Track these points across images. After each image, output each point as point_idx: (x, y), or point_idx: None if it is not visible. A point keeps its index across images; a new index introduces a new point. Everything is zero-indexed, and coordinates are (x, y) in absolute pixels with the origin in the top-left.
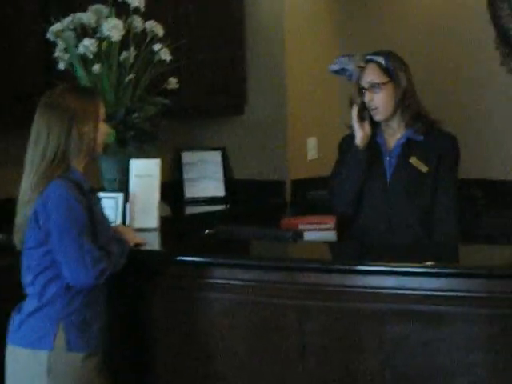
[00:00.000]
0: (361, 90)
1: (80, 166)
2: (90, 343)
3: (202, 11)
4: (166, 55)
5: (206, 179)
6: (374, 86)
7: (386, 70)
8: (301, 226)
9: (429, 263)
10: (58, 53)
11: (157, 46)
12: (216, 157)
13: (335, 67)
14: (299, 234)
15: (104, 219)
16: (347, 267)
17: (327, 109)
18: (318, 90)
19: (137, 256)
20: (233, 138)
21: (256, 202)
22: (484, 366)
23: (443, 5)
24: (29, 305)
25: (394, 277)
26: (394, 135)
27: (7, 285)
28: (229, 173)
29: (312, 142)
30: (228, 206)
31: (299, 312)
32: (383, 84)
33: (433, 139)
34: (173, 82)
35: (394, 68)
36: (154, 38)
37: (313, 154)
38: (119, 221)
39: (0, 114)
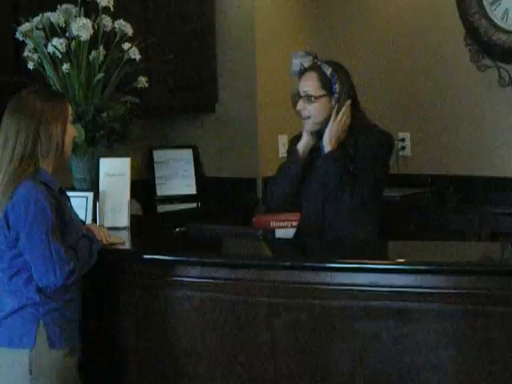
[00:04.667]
0: (298, 95)
1: (49, 167)
2: (71, 340)
3: (172, 9)
4: (135, 54)
5: (177, 177)
6: (308, 97)
7: (325, 82)
8: (272, 224)
9: (399, 260)
10: (27, 53)
11: (126, 45)
12: (187, 155)
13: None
14: (270, 232)
15: (73, 219)
16: (318, 264)
17: None
18: (289, 87)
19: (108, 254)
20: (204, 136)
21: (228, 199)
22: (454, 362)
23: (412, 3)
24: (7, 305)
25: (364, 274)
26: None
27: None
28: (200, 171)
29: (283, 140)
30: (200, 203)
31: (270, 310)
32: (317, 97)
33: (363, 140)
34: (142, 81)
35: (337, 82)
36: (124, 37)
37: (284, 151)
38: (90, 220)
39: None
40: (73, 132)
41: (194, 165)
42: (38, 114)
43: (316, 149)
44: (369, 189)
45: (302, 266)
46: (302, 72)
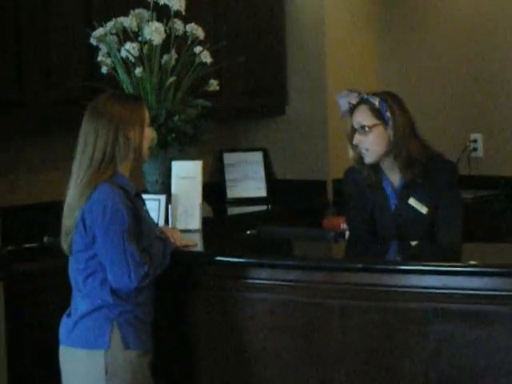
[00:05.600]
0: (353, 130)
1: (126, 170)
2: (144, 341)
3: (241, 12)
4: (206, 57)
5: (247, 180)
6: (362, 128)
7: (377, 112)
8: (343, 226)
9: (472, 262)
10: (100, 57)
11: (197, 49)
12: (257, 157)
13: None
14: (341, 234)
15: (148, 222)
16: (389, 267)
17: None
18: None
19: (180, 257)
20: (274, 139)
21: (298, 202)
22: None
23: (484, 7)
24: (82, 306)
25: (436, 276)
26: (393, 175)
27: (51, 286)
28: (270, 173)
29: None
30: (270, 206)
31: (342, 312)
32: (371, 127)
33: (430, 177)
34: (214, 84)
35: (388, 110)
36: (195, 41)
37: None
38: (162, 222)
39: (44, 119)
40: (150, 135)
41: (264, 167)
42: (116, 118)
43: (375, 183)
44: (458, 232)
45: (374, 268)
46: (352, 109)
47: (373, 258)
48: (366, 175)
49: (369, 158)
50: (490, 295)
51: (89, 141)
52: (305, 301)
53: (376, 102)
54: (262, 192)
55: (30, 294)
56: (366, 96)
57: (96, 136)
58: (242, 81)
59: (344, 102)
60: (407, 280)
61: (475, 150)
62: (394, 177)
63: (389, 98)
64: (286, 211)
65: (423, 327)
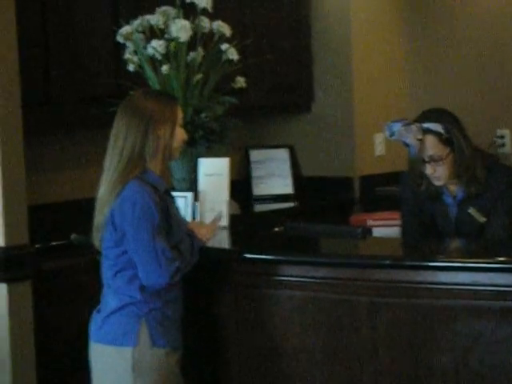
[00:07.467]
0: (423, 161)
1: (157, 168)
2: (172, 338)
3: (268, 10)
4: (233, 55)
5: (274, 177)
6: (435, 160)
7: (445, 140)
8: (370, 223)
9: (502, 259)
10: (127, 55)
11: (224, 46)
12: (284, 154)
13: (391, 138)
14: (368, 231)
15: (179, 219)
16: (418, 263)
17: (394, 104)
18: (385, 85)
19: (208, 254)
20: (300, 136)
21: (324, 198)
22: None
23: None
24: (111, 303)
25: (466, 273)
26: (454, 187)
27: (79, 284)
28: (297, 170)
29: (379, 138)
30: (296, 203)
31: (370, 309)
32: (446, 157)
33: (489, 186)
34: (240, 81)
35: (453, 135)
36: (222, 38)
37: (380, 149)
38: (189, 220)
39: (71, 116)
40: (182, 136)
41: (291, 164)
42: (147, 115)
43: (435, 196)
44: (504, 231)
45: (404, 264)
46: (419, 139)
47: (401, 255)
48: (425, 188)
49: (439, 182)
50: None
51: (119, 136)
52: (333, 298)
53: (441, 130)
54: (288, 189)
55: (58, 292)
56: (426, 125)
57: (126, 131)
58: (268, 78)
59: (411, 141)
60: (436, 277)
61: (502, 145)
62: (454, 188)
63: (446, 119)
64: (312, 208)
65: (452, 324)
